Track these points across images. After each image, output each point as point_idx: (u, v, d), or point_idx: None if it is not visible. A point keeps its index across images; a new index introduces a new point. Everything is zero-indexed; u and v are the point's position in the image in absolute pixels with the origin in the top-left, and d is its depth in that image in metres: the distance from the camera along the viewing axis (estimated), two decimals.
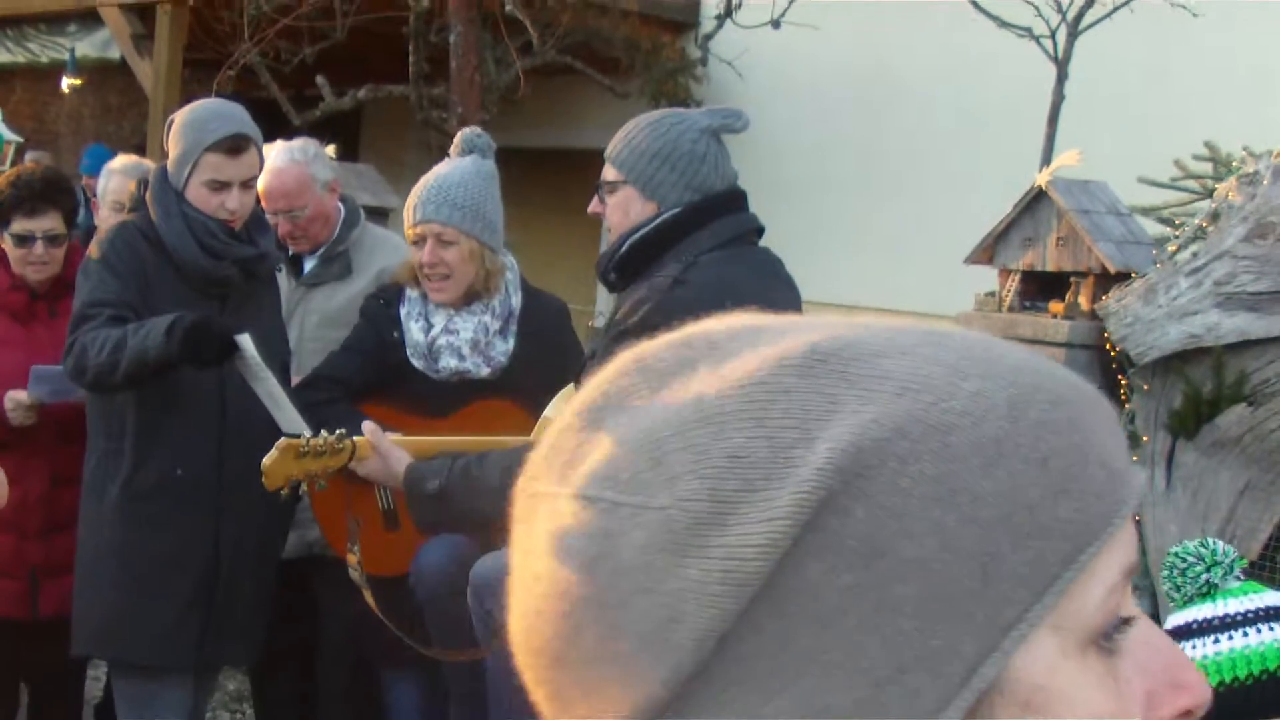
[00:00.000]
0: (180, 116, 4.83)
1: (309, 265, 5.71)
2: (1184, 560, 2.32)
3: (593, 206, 4.14)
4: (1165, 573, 2.34)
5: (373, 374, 4.83)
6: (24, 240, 5.18)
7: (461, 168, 4.70)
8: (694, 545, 0.77)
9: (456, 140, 4.82)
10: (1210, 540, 2.35)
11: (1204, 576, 2.31)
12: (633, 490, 0.79)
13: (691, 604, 0.77)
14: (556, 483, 0.84)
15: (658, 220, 3.94)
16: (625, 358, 0.88)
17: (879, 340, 0.84)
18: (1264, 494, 5.43)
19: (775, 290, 3.97)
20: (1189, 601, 2.32)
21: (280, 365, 4.88)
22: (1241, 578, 2.33)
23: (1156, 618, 5.43)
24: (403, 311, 4.81)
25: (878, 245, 11.75)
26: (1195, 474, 5.51)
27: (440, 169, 4.74)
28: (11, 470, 5.10)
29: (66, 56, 12.49)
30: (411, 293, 4.81)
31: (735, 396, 0.80)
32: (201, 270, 4.74)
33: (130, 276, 4.66)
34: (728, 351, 0.84)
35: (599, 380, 0.88)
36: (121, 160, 6.59)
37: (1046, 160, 8.25)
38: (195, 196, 4.75)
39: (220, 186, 4.74)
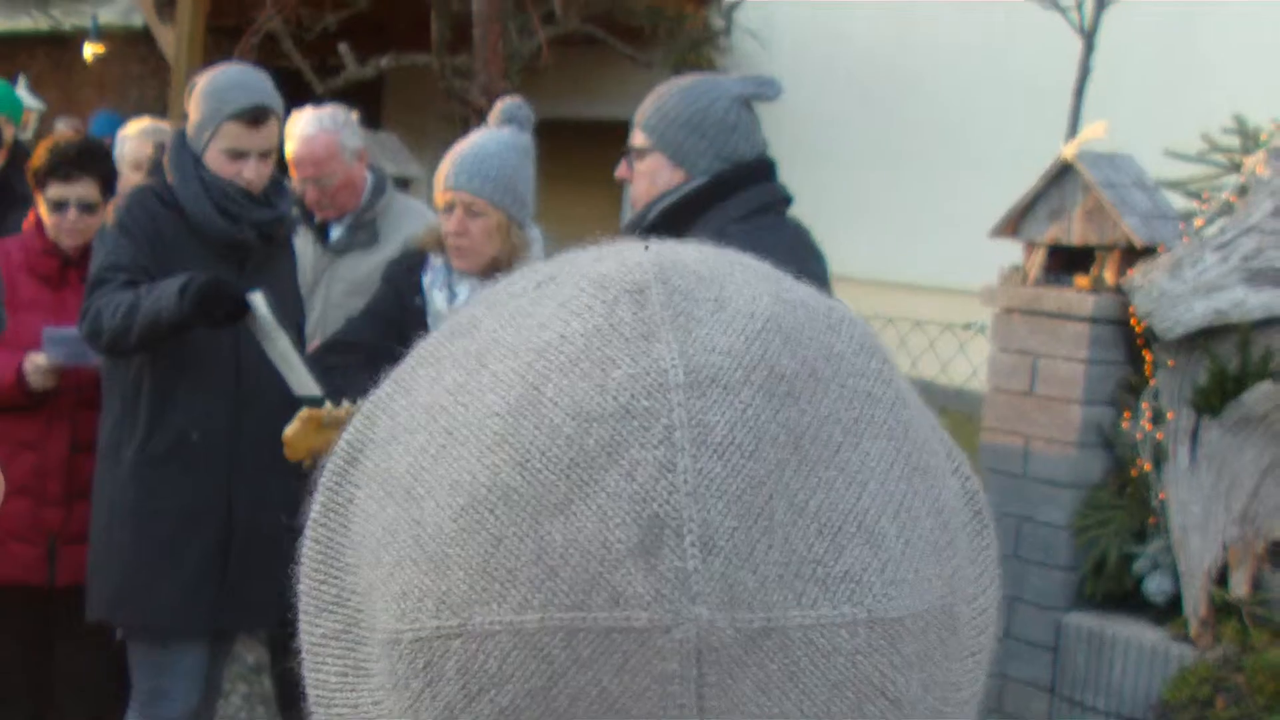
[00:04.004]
0: (202, 82, 4.82)
1: (335, 233, 5.70)
2: None
3: (620, 170, 4.12)
4: None
5: (393, 339, 4.79)
6: (59, 206, 5.19)
7: (499, 139, 4.66)
8: None
9: (496, 109, 4.77)
10: None
11: None
12: None
13: None
14: None
15: (686, 189, 3.93)
16: None
17: None
18: None
19: (804, 261, 3.95)
20: None
21: (295, 327, 4.88)
22: None
23: (1178, 595, 5.41)
24: (426, 279, 4.77)
25: (901, 218, 11.71)
26: (1219, 451, 5.48)
27: (477, 137, 4.70)
28: (32, 435, 5.12)
29: (89, 23, 12.51)
30: (435, 260, 4.77)
31: None
32: (219, 233, 4.73)
33: (146, 240, 4.66)
34: None
35: None
36: (136, 124, 6.59)
37: (1072, 133, 8.21)
38: (213, 163, 4.74)
39: (238, 156, 4.74)
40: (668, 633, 0.63)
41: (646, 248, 0.74)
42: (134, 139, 6.37)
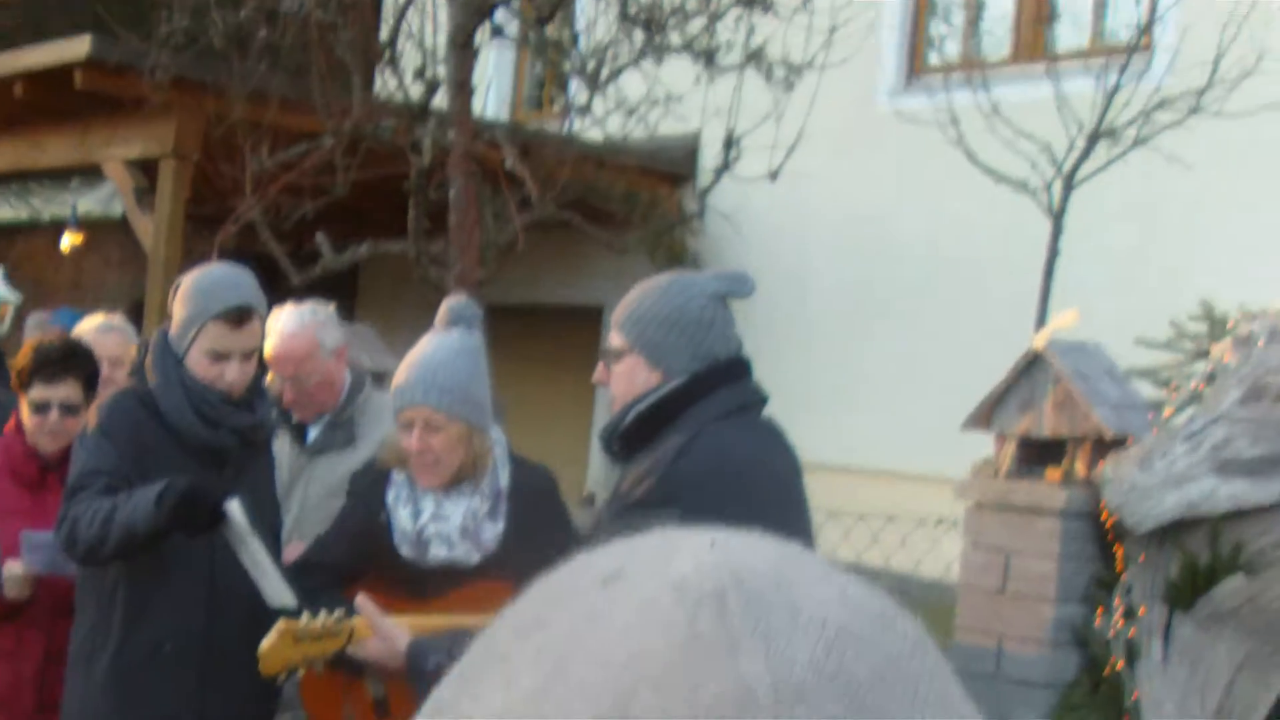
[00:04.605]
0: (187, 282, 4.83)
1: (313, 433, 5.70)
2: None
3: (598, 374, 4.14)
4: None
5: (361, 556, 4.77)
6: (41, 408, 5.22)
7: (447, 346, 4.62)
8: None
9: (442, 312, 4.73)
10: None
11: None
12: None
13: None
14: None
15: (662, 391, 3.94)
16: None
17: None
18: (1263, 668, 5.41)
19: (777, 461, 3.99)
20: None
21: (271, 532, 4.87)
22: None
23: None
24: (390, 495, 4.73)
25: (875, 404, 11.77)
26: (1193, 646, 5.49)
27: (425, 348, 4.65)
28: (7, 645, 5.08)
29: (68, 212, 12.60)
30: (398, 476, 4.74)
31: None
32: (199, 439, 4.75)
33: (127, 445, 4.67)
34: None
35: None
36: (91, 321, 6.57)
37: (1042, 314, 8.30)
38: (195, 364, 4.75)
39: (221, 357, 4.75)
40: None
41: (713, 544, 0.75)
42: (89, 335, 6.35)
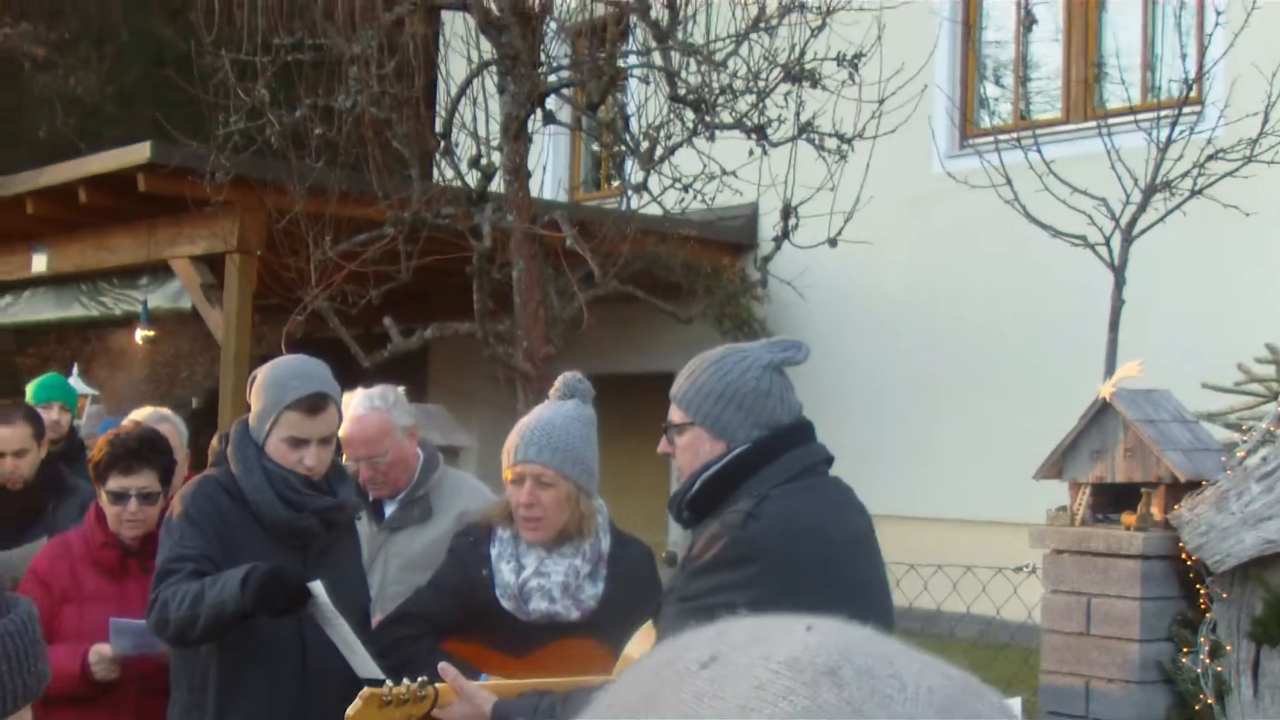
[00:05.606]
0: (262, 373, 4.95)
1: (389, 510, 5.80)
2: None
3: (662, 447, 4.17)
4: None
5: (459, 611, 4.85)
6: (119, 497, 5.31)
7: (564, 411, 4.76)
8: None
9: (557, 384, 4.87)
10: None
11: None
12: None
13: None
14: None
15: (727, 458, 3.96)
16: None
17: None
18: None
19: (847, 519, 3.99)
20: None
21: (359, 612, 4.94)
22: None
23: None
24: (493, 551, 4.82)
25: (943, 456, 11.77)
26: None
27: (542, 411, 4.79)
28: None
29: (139, 309, 12.80)
30: (503, 533, 4.83)
31: None
32: (282, 522, 4.83)
33: (212, 530, 4.75)
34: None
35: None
36: (140, 412, 6.68)
37: (1110, 366, 8.29)
38: (274, 451, 4.86)
39: (299, 443, 4.85)
40: None
41: (809, 628, 0.80)
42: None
